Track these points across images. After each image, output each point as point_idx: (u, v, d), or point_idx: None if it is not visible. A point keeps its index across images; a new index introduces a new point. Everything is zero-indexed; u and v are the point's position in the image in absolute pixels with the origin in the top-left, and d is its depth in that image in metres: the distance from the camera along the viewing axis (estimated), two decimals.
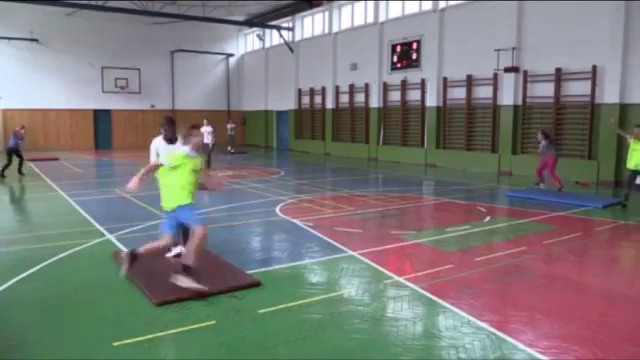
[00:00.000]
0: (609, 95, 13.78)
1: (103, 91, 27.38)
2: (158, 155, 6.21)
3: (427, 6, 19.39)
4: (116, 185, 13.35)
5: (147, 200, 10.58)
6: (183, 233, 5.85)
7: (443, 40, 18.69)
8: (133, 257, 5.08)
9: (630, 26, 13.27)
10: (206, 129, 17.23)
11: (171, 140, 6.17)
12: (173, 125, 6.40)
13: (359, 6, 22.95)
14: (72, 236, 7.62)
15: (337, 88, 24.12)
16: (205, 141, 16.81)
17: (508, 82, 16.27)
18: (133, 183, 4.82)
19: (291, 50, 26.73)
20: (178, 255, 5.92)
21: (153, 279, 5.37)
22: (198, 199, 10.85)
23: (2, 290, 5.20)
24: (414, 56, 19.94)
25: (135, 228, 8.03)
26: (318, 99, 25.56)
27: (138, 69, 28.14)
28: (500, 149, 16.71)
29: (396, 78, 20.79)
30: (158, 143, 6.34)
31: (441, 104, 18.88)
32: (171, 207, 5.06)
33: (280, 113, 29.11)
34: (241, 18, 28.13)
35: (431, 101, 19.13)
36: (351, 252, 6.65)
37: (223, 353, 3.87)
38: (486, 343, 4.01)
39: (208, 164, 17.06)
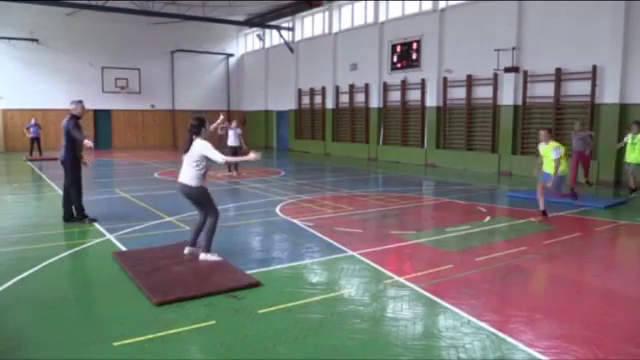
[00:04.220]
0: (609, 95, 13.77)
1: (103, 91, 27.37)
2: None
3: (427, 6, 19.39)
4: (116, 185, 13.35)
5: (147, 200, 10.61)
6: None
7: (443, 40, 18.68)
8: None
9: (630, 26, 13.26)
10: (235, 131, 15.56)
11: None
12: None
13: (359, 6, 22.94)
14: (72, 236, 7.62)
15: (337, 88, 24.11)
16: (232, 144, 15.40)
17: (508, 82, 16.27)
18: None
19: (291, 50, 26.73)
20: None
21: (153, 279, 5.37)
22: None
23: (2, 290, 5.19)
24: (414, 56, 19.94)
25: (135, 228, 8.03)
26: (318, 99, 25.55)
27: (138, 69, 28.14)
28: (500, 149, 16.72)
29: (396, 78, 20.79)
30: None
31: (441, 104, 18.88)
32: None
33: (280, 113, 29.10)
34: (241, 18, 28.13)
35: (431, 101, 19.13)
36: (351, 252, 6.64)
37: (223, 353, 3.86)
38: (486, 343, 4.00)
39: (235, 168, 15.41)
